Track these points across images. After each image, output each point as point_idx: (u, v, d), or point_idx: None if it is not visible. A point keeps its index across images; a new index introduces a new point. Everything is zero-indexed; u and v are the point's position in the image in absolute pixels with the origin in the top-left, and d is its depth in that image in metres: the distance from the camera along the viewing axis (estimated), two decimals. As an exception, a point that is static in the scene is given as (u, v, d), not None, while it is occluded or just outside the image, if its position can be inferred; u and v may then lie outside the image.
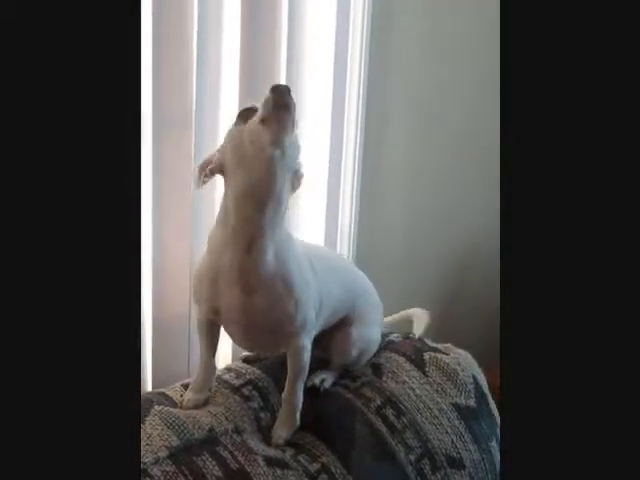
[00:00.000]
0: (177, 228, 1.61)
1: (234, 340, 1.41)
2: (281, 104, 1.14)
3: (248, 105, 1.21)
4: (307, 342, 1.33)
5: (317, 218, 1.88)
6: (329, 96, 1.84)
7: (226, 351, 1.71)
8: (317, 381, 1.42)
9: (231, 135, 1.22)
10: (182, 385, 1.40)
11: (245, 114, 1.20)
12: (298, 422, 1.36)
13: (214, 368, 1.40)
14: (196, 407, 1.33)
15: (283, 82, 1.67)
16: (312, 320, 1.32)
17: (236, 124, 1.21)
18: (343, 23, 1.83)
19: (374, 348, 1.51)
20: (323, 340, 1.45)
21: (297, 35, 1.71)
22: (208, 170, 1.23)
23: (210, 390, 1.38)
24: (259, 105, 1.17)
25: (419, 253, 2.21)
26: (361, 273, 1.55)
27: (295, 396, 1.35)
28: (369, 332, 1.49)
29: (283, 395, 1.36)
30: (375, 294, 1.55)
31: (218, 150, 1.25)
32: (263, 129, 1.15)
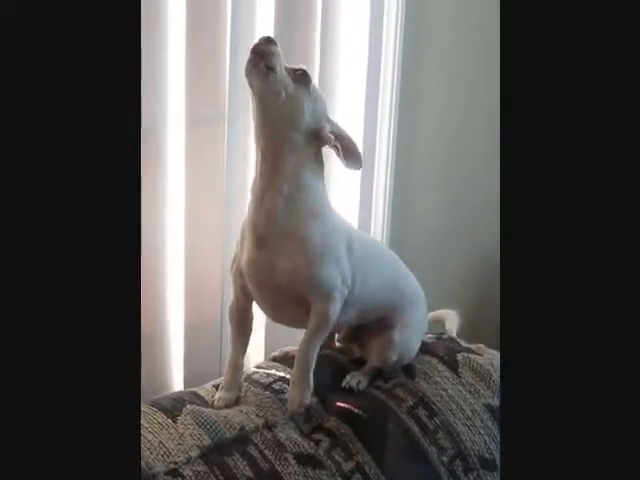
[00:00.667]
0: (209, 231, 1.61)
1: (259, 306, 1.39)
2: (254, 49, 1.24)
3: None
4: (328, 307, 1.30)
5: (349, 215, 1.87)
6: (362, 92, 1.85)
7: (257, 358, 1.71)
8: (354, 383, 1.42)
9: None
10: (213, 385, 1.41)
11: None
12: (311, 384, 1.33)
13: (241, 366, 1.40)
14: (227, 406, 1.34)
15: (316, 80, 1.66)
16: (336, 286, 1.30)
17: None
18: (377, 23, 1.83)
19: (412, 356, 1.49)
20: (363, 339, 1.45)
21: (330, 34, 1.71)
22: None
23: (240, 389, 1.38)
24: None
25: (450, 252, 2.19)
26: (413, 279, 1.51)
27: (309, 354, 1.32)
28: (411, 339, 1.47)
29: (297, 352, 1.35)
30: (424, 304, 1.53)
31: None
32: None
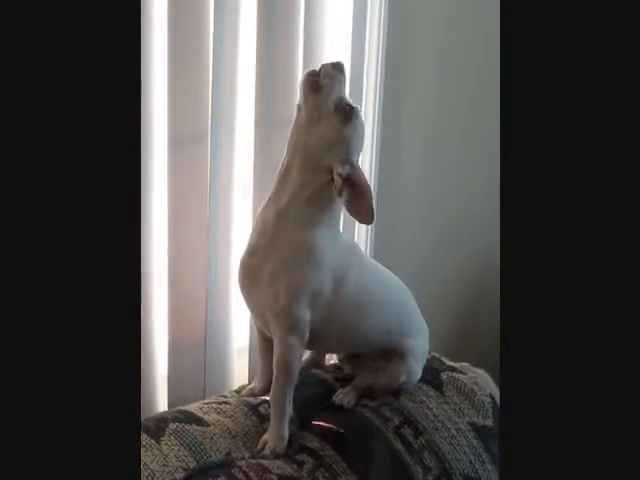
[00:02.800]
0: (193, 250, 1.60)
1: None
2: (324, 66, 1.28)
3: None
4: (291, 339, 1.29)
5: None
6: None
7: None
8: (345, 401, 1.41)
9: None
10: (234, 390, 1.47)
11: None
12: (286, 434, 1.32)
13: (270, 358, 1.36)
14: (251, 395, 1.41)
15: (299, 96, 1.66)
16: (298, 319, 1.28)
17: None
18: (360, 31, 1.82)
19: (415, 382, 1.48)
20: (367, 362, 1.45)
21: (314, 47, 1.70)
22: None
23: (270, 380, 1.36)
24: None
25: (435, 273, 2.19)
26: (418, 313, 1.50)
27: (277, 398, 1.32)
28: (416, 369, 1.47)
29: (269, 397, 1.34)
30: (427, 333, 1.52)
31: None
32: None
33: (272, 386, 1.33)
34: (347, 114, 1.26)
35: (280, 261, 1.27)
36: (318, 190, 1.26)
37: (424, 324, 1.52)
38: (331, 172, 1.24)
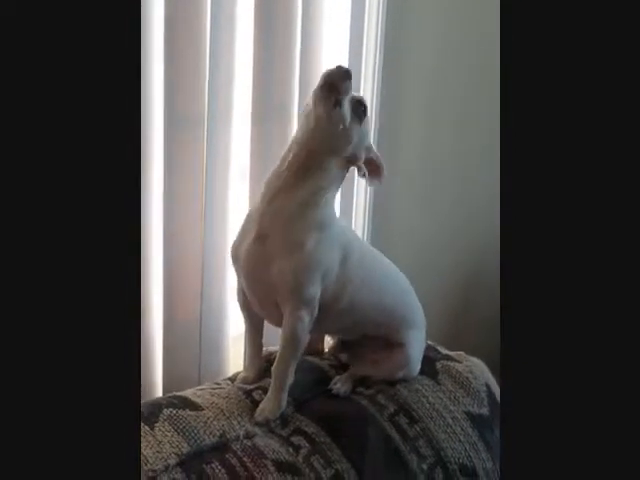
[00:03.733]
0: (189, 236, 1.59)
1: (247, 294, 1.41)
2: (329, 81, 1.27)
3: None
4: (303, 313, 1.31)
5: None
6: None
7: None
8: (342, 391, 1.41)
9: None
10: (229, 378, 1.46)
11: None
12: (284, 403, 1.34)
13: (259, 345, 1.44)
14: (245, 384, 1.40)
15: (296, 83, 1.66)
16: (312, 294, 1.31)
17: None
18: (358, 26, 1.83)
19: (415, 373, 1.49)
20: (368, 353, 1.46)
21: (311, 34, 1.69)
22: None
23: (260, 368, 1.42)
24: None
25: (432, 261, 2.19)
26: (416, 299, 1.53)
27: (281, 371, 1.34)
28: (418, 358, 1.49)
29: (272, 368, 1.36)
30: (424, 322, 1.53)
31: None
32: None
33: (276, 359, 1.35)
34: (364, 111, 1.31)
35: (292, 242, 1.29)
36: (340, 180, 1.34)
37: (423, 317, 1.53)
38: (351, 161, 1.33)
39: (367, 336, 1.46)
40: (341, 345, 1.54)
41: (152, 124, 1.49)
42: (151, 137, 1.49)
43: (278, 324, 1.36)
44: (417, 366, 1.48)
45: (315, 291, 1.31)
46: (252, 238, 1.32)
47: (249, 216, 1.36)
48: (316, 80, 1.69)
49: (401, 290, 1.51)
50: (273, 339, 1.42)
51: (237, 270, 1.39)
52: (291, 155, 1.30)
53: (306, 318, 1.32)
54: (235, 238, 1.38)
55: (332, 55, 1.77)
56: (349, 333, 1.48)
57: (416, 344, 1.48)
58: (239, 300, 1.44)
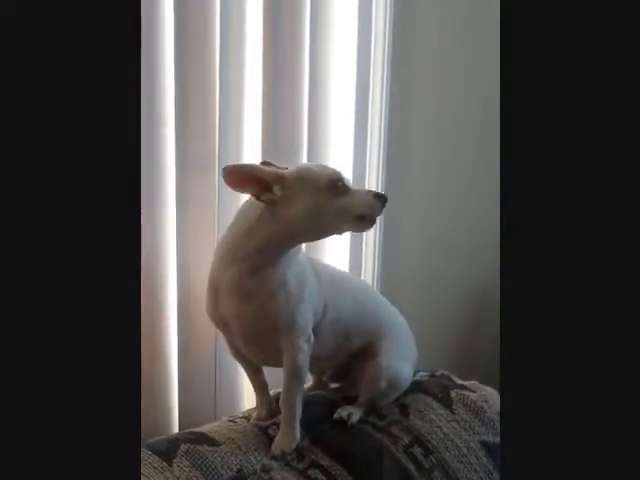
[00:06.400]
0: (204, 270, 1.60)
1: (244, 352, 1.43)
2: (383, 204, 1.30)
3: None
4: (301, 343, 1.35)
5: (341, 253, 1.87)
6: (351, 127, 1.84)
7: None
8: (344, 414, 1.42)
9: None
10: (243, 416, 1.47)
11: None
12: (298, 434, 1.36)
13: (263, 382, 1.48)
14: (260, 420, 1.42)
15: (305, 118, 1.68)
16: (307, 320, 1.35)
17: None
18: (365, 49, 1.84)
19: (404, 385, 1.50)
20: (352, 375, 1.47)
21: (320, 70, 1.72)
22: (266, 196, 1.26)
23: (271, 404, 1.45)
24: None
25: (440, 286, 2.20)
26: (389, 305, 1.55)
27: (289, 403, 1.36)
28: (398, 365, 1.48)
29: (280, 402, 1.38)
30: (409, 332, 1.55)
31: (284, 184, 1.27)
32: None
33: (282, 392, 1.37)
34: (344, 189, 1.29)
35: (276, 286, 1.32)
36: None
37: (399, 320, 1.55)
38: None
39: (351, 355, 1.47)
40: (331, 378, 1.57)
41: (164, 169, 1.53)
42: (163, 182, 1.54)
43: (278, 364, 1.38)
44: (403, 376, 1.49)
45: (307, 317, 1.35)
46: (235, 301, 1.33)
47: (214, 285, 1.35)
48: (324, 115, 1.74)
49: (370, 295, 1.57)
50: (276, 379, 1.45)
51: (226, 331, 1.41)
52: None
53: (305, 346, 1.35)
54: (207, 304, 1.39)
55: (339, 88, 1.78)
56: (339, 354, 1.47)
57: (392, 351, 1.47)
58: (232, 354, 1.47)
